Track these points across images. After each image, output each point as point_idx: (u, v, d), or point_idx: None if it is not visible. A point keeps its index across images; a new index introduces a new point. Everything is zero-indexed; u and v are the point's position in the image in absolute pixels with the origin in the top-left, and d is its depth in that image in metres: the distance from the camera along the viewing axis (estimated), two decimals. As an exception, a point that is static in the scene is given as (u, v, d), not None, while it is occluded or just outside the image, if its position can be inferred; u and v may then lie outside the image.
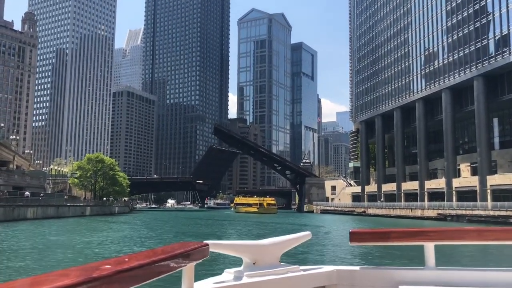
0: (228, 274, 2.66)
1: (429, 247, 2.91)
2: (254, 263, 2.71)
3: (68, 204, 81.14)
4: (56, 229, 47.98)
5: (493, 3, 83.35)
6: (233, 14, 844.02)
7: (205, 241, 2.34)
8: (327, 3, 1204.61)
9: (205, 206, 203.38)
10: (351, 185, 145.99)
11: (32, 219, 64.21)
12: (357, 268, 2.96)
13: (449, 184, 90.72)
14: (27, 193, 70.85)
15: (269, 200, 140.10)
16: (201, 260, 2.19)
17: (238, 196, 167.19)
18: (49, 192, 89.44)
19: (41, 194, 76.78)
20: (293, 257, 20.60)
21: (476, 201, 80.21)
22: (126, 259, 1.64)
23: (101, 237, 37.98)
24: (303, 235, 3.04)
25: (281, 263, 2.83)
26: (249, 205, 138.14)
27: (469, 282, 2.78)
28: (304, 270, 2.86)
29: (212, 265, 15.73)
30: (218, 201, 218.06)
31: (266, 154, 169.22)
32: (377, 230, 3.00)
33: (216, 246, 2.51)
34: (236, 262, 2.74)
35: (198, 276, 2.38)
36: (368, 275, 2.91)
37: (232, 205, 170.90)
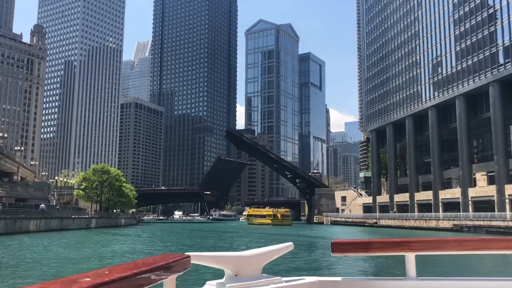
0: (210, 286, 2.65)
1: (410, 258, 2.95)
2: (236, 275, 2.68)
3: (72, 216, 79.20)
4: (55, 242, 45.93)
5: (508, 7, 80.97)
6: (240, 25, 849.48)
7: (186, 253, 2.33)
8: (333, 13, 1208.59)
9: (210, 218, 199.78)
10: (361, 196, 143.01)
11: (34, 232, 62.31)
12: (339, 279, 2.95)
13: (464, 194, 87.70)
14: (42, 205, 70.52)
15: (283, 211, 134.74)
16: (182, 272, 2.18)
17: (250, 207, 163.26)
18: (54, 204, 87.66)
19: (57, 207, 75.99)
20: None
21: (494, 211, 77.22)
22: (107, 272, 1.62)
23: (102, 251, 35.87)
24: (285, 246, 3.03)
25: (263, 275, 2.82)
26: (263, 216, 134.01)
27: None
28: (286, 282, 2.84)
29: (194, 277, 14.84)
30: (224, 212, 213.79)
31: (277, 161, 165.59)
32: (358, 241, 3.04)
33: (197, 258, 2.49)
34: (219, 274, 2.73)
35: None
36: (350, 286, 2.92)
37: (243, 216, 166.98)
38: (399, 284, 2.89)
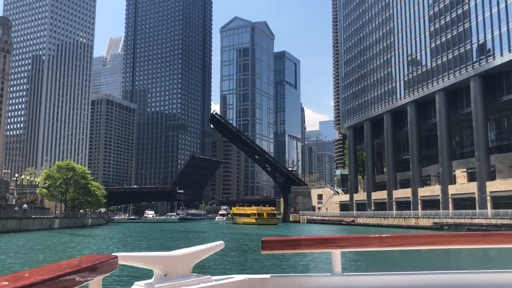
0: (138, 287, 2.61)
1: (336, 254, 3.02)
2: (165, 275, 2.65)
3: (32, 216, 73.67)
4: (7, 245, 41.05)
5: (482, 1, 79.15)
6: (215, 22, 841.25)
7: (113, 253, 2.28)
8: (308, 12, 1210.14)
9: (177, 217, 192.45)
10: (338, 194, 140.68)
11: (-13, 233, 57.06)
12: (267, 276, 3.00)
13: (444, 191, 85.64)
14: (25, 206, 71.33)
15: (269, 209, 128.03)
16: (109, 274, 2.11)
17: (235, 206, 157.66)
18: (13, 203, 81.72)
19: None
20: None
21: (475, 208, 75.29)
22: (27, 274, 1.52)
23: (51, 254, 31.37)
24: (216, 245, 3.04)
25: (193, 274, 2.81)
26: (247, 215, 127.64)
27: (373, 287, 2.93)
28: (216, 280, 2.86)
29: (122, 278, 14.29)
30: (192, 211, 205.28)
31: (259, 152, 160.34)
32: (287, 238, 3.10)
33: (125, 258, 2.44)
34: (147, 274, 2.68)
35: None
36: (278, 283, 2.98)
37: (228, 215, 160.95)
38: (325, 280, 2.95)
